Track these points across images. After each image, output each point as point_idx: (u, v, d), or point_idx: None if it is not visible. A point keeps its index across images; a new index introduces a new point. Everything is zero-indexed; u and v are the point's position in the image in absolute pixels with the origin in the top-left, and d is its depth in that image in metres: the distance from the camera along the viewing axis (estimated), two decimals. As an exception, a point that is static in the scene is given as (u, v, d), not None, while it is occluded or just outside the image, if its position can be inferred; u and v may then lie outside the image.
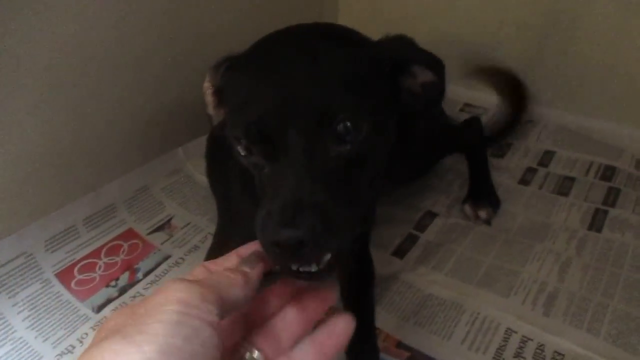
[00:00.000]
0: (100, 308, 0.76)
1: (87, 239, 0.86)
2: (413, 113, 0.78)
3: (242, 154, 0.44)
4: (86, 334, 0.72)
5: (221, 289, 0.32)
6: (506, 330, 0.70)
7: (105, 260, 0.84)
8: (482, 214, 0.89)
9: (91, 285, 0.79)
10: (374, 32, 0.52)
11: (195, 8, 0.99)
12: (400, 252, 0.84)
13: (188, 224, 0.92)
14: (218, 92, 0.53)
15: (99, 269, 0.82)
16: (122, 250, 0.86)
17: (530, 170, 1.01)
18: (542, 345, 0.68)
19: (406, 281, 0.79)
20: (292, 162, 0.40)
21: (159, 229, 0.90)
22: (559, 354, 0.66)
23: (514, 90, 1.10)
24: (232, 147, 0.46)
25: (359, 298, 0.71)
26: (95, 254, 0.84)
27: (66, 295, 0.77)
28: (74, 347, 0.70)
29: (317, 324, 0.37)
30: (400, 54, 0.49)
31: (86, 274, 0.81)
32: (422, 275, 0.80)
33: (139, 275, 0.81)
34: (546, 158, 1.04)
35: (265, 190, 0.42)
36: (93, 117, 0.89)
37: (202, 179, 0.95)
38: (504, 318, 0.71)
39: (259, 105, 0.42)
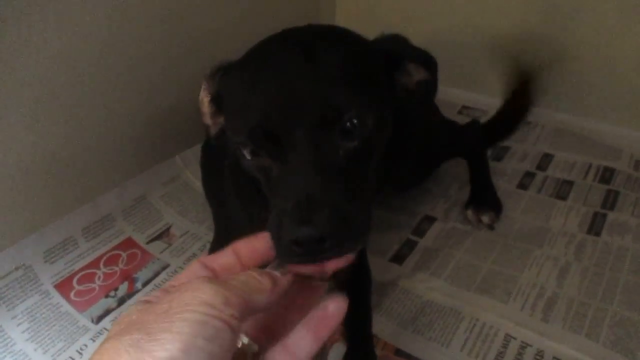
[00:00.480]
0: (99, 319, 0.76)
1: (85, 250, 0.87)
2: (411, 118, 0.79)
3: (248, 157, 0.45)
4: (86, 345, 0.72)
5: (246, 292, 0.32)
6: (505, 337, 0.70)
7: (104, 270, 0.84)
8: (485, 218, 0.88)
9: (90, 295, 0.79)
10: (371, 34, 0.53)
11: (189, 14, 0.99)
12: (398, 258, 0.84)
13: (186, 232, 0.92)
14: (215, 101, 0.53)
15: (98, 279, 0.82)
16: (121, 259, 0.86)
17: (529, 175, 1.01)
18: (541, 351, 0.67)
19: (404, 288, 0.79)
20: (301, 161, 0.40)
21: (158, 237, 0.90)
22: (558, 359, 0.66)
23: (523, 91, 1.09)
24: (235, 153, 0.46)
25: (356, 306, 0.71)
26: (94, 264, 0.85)
27: (65, 306, 0.77)
28: (73, 359, 0.70)
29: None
30: (396, 52, 0.50)
31: (85, 285, 0.81)
32: (421, 281, 0.79)
33: (138, 285, 0.81)
34: (544, 162, 1.04)
35: (274, 192, 0.43)
36: (88, 127, 0.89)
37: (200, 186, 0.95)
38: (503, 324, 0.71)
39: (262, 107, 0.42)
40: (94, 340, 0.72)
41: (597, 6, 1.02)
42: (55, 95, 0.82)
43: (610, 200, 0.92)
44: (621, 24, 1.01)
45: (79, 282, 0.81)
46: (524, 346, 0.68)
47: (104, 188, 0.95)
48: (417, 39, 0.56)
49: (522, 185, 0.98)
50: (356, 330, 0.69)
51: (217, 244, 0.76)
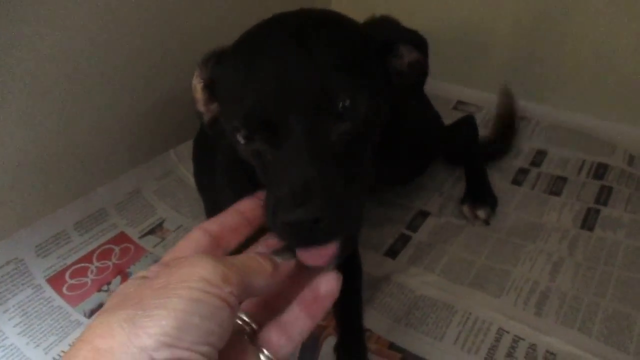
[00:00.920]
0: (92, 313, 0.75)
1: (78, 244, 0.86)
2: (405, 111, 0.79)
3: (242, 142, 0.45)
4: (78, 339, 0.72)
5: (247, 273, 0.31)
6: (498, 331, 0.70)
7: (96, 264, 0.83)
8: (481, 214, 0.88)
9: (83, 290, 0.79)
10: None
11: (183, 9, 0.99)
12: (392, 253, 0.84)
13: (180, 226, 0.91)
14: (208, 87, 0.52)
15: (91, 273, 0.82)
16: (113, 254, 0.85)
17: (523, 171, 1.01)
18: (533, 345, 0.68)
19: (398, 282, 0.79)
20: (296, 145, 0.40)
21: (151, 232, 0.90)
22: (551, 353, 0.66)
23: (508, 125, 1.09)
24: (230, 139, 0.46)
25: (347, 297, 0.71)
26: (87, 258, 0.84)
27: (58, 300, 0.77)
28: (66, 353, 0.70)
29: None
30: (387, 34, 0.50)
31: (78, 279, 0.81)
32: (414, 275, 0.79)
33: (131, 279, 0.81)
34: (538, 158, 1.04)
35: (269, 178, 0.43)
36: (81, 121, 0.89)
37: (194, 181, 0.95)
38: (496, 318, 0.71)
39: (256, 92, 0.42)
40: (86, 335, 0.72)
41: (591, 1, 1.02)
42: (48, 89, 0.82)
43: (604, 196, 0.92)
44: (616, 19, 1.01)
45: (72, 276, 0.81)
46: (516, 340, 0.68)
47: (97, 182, 0.94)
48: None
49: (516, 182, 0.98)
50: (347, 321, 0.69)
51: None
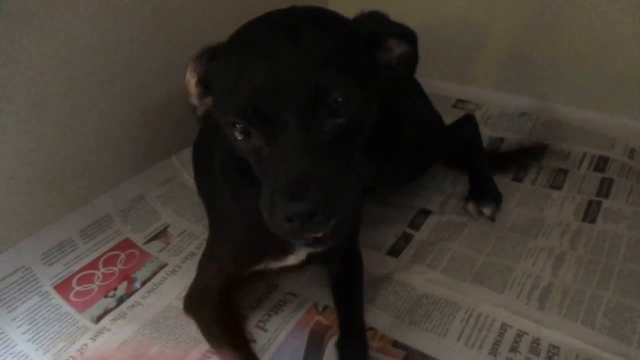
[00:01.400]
0: (99, 318, 0.76)
1: (84, 251, 0.87)
2: (403, 110, 0.79)
3: (239, 138, 0.46)
4: (86, 344, 0.72)
5: None
6: (501, 326, 0.70)
7: (103, 270, 0.84)
8: (487, 210, 0.88)
9: (90, 296, 0.80)
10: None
11: (181, 14, 1.00)
12: (394, 252, 0.85)
13: (184, 231, 0.92)
14: (202, 82, 0.54)
15: (97, 279, 0.83)
16: (119, 260, 0.86)
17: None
18: (537, 339, 0.68)
19: (401, 281, 0.79)
20: (291, 140, 0.42)
21: (155, 237, 0.91)
22: (554, 347, 0.66)
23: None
24: (227, 136, 0.48)
25: (348, 294, 0.72)
26: (93, 265, 0.85)
27: (65, 307, 0.78)
28: (74, 359, 0.71)
29: None
30: (377, 28, 0.51)
31: (84, 285, 0.82)
32: (417, 273, 0.80)
33: (137, 284, 0.82)
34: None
35: (265, 172, 0.45)
36: (83, 130, 0.90)
37: (196, 186, 0.96)
38: (499, 313, 0.72)
39: (251, 86, 0.43)
40: (94, 340, 0.73)
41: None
42: (50, 98, 0.83)
43: (605, 188, 0.92)
44: (614, 13, 1.01)
45: (78, 283, 0.82)
46: (520, 334, 0.69)
47: (101, 190, 0.95)
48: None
49: (518, 178, 0.98)
50: (349, 319, 0.70)
51: (213, 241, 0.77)
